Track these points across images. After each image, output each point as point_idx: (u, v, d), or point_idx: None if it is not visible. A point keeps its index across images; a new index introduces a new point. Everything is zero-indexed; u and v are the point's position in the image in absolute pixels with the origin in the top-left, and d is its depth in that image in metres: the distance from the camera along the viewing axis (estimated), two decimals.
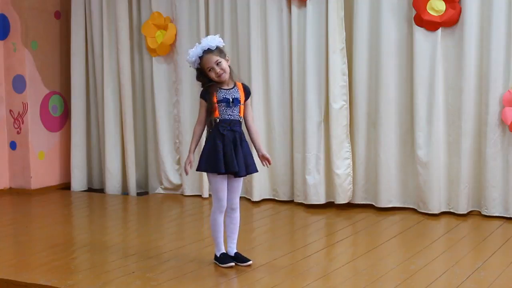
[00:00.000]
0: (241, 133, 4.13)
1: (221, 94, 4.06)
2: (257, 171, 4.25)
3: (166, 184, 6.86)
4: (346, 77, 5.84)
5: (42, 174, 7.15)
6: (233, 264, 4.17)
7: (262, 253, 4.54)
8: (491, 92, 5.33)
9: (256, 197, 6.24)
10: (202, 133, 4.20)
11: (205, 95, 4.09)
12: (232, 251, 4.24)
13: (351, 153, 5.90)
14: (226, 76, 4.06)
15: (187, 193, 6.68)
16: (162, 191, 6.91)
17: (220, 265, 4.19)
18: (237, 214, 4.22)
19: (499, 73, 5.30)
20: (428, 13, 5.47)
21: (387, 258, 4.40)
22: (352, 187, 5.92)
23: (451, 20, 5.44)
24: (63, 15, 7.31)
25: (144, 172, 7.15)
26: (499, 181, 5.38)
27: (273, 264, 4.23)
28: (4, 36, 7.01)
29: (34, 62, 7.03)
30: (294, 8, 6.01)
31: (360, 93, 5.85)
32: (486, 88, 5.36)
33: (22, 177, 7.08)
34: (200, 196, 6.57)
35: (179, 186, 6.79)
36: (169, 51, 6.68)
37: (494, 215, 5.40)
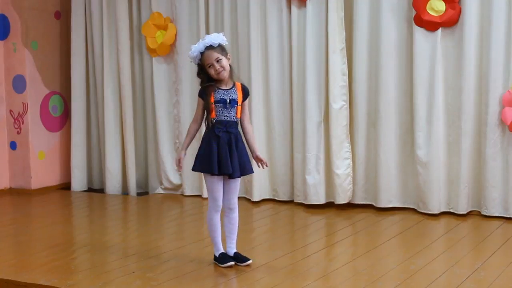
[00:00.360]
0: (237, 134, 4.12)
1: (218, 95, 4.06)
2: (252, 172, 4.25)
3: (166, 184, 6.87)
4: (346, 77, 5.84)
5: (42, 174, 7.15)
6: (232, 263, 4.18)
7: (262, 253, 4.54)
8: (491, 92, 5.33)
9: (256, 197, 6.24)
10: (196, 131, 4.21)
11: (203, 94, 4.10)
12: (232, 251, 4.25)
13: (351, 153, 5.90)
14: (225, 74, 4.05)
15: (187, 193, 6.69)
16: (162, 191, 6.91)
17: (220, 265, 4.19)
18: (235, 215, 4.22)
19: (499, 73, 5.30)
20: (428, 13, 5.47)
21: (387, 258, 4.40)
22: (352, 187, 5.92)
23: (451, 20, 5.45)
24: (63, 15, 7.32)
25: (144, 172, 7.15)
26: (499, 181, 5.38)
27: (273, 264, 4.23)
28: (4, 36, 7.02)
29: (34, 62, 7.03)
30: (294, 8, 6.01)
31: (360, 93, 5.85)
32: (486, 88, 5.36)
33: (22, 177, 7.08)
34: (200, 196, 6.57)
35: (179, 186, 6.79)
36: (169, 51, 6.68)
37: (494, 215, 5.40)
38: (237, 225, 4.25)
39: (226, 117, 4.07)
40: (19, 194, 7.01)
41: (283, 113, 6.21)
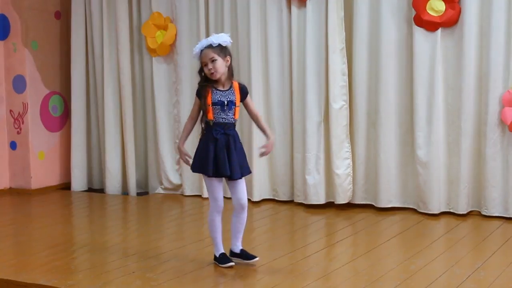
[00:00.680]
0: (235, 135, 4.10)
1: (216, 96, 4.02)
2: (250, 172, 4.23)
3: (166, 184, 6.87)
4: (346, 77, 5.84)
5: (42, 174, 7.15)
6: (233, 264, 4.17)
7: (262, 253, 4.53)
8: (491, 92, 5.33)
9: (256, 197, 6.24)
10: (192, 127, 4.20)
11: (199, 93, 4.08)
12: (238, 248, 4.22)
13: (351, 153, 5.90)
14: (217, 76, 4.00)
15: (187, 193, 6.69)
16: (162, 191, 6.91)
17: (220, 265, 4.19)
18: (245, 214, 4.18)
19: (499, 73, 5.30)
20: (428, 13, 5.47)
21: (387, 258, 4.40)
22: (352, 187, 5.92)
23: (451, 20, 5.45)
24: (63, 15, 7.32)
25: (144, 172, 7.15)
26: (499, 181, 5.38)
27: (273, 264, 4.23)
28: (4, 36, 7.02)
29: (34, 62, 7.03)
30: (294, 8, 6.01)
31: (360, 93, 5.85)
32: (486, 88, 5.36)
33: (22, 177, 7.08)
34: (200, 196, 6.57)
35: (179, 186, 6.80)
36: (169, 51, 6.68)
37: (494, 215, 5.40)
38: (245, 224, 4.21)
39: (224, 119, 4.04)
40: (19, 194, 7.02)
41: (283, 113, 6.21)
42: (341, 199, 5.90)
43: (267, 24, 6.18)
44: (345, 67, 5.83)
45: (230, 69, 4.09)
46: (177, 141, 6.62)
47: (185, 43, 6.56)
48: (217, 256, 4.22)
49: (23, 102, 7.01)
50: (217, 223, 4.18)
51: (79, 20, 7.12)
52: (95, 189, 7.30)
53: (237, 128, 4.19)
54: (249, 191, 6.27)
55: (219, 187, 4.12)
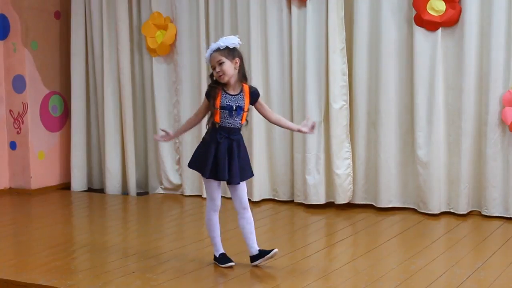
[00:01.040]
0: (240, 139, 4.07)
1: (225, 100, 3.98)
2: (252, 175, 4.21)
3: (166, 184, 6.86)
4: (346, 77, 5.84)
5: (42, 174, 7.15)
6: (233, 264, 4.17)
7: None
8: (491, 92, 5.33)
9: (256, 197, 6.24)
10: (194, 125, 4.22)
11: (208, 95, 4.04)
12: (255, 250, 4.17)
13: (351, 153, 5.90)
14: (225, 78, 3.97)
15: (187, 193, 6.68)
16: (162, 191, 6.91)
17: (220, 265, 4.18)
18: (249, 214, 4.16)
19: (499, 73, 5.30)
20: (428, 13, 5.47)
21: (387, 258, 4.40)
22: (352, 187, 5.92)
23: (451, 20, 5.44)
24: (63, 15, 7.31)
25: (144, 172, 7.15)
26: (499, 181, 5.38)
27: (273, 264, 4.22)
28: (4, 36, 7.01)
29: (34, 62, 7.03)
30: (294, 8, 6.01)
31: (360, 93, 5.85)
32: (486, 88, 5.36)
33: (22, 177, 7.08)
34: (200, 196, 6.56)
35: (179, 186, 6.79)
36: (169, 51, 6.68)
37: (494, 215, 5.40)
38: (253, 223, 4.18)
39: (230, 124, 4.01)
40: (19, 194, 7.01)
41: (283, 113, 6.19)
42: (341, 199, 5.90)
43: (267, 24, 6.18)
44: (345, 67, 5.83)
45: (240, 71, 4.02)
46: (177, 141, 6.67)
47: (185, 43, 6.56)
48: (217, 256, 4.22)
49: (23, 102, 7.01)
50: (215, 222, 4.17)
51: (79, 20, 7.12)
52: (95, 189, 7.29)
53: None
54: (249, 191, 6.24)
55: (217, 187, 4.11)
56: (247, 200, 4.17)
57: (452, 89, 5.55)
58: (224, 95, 4.00)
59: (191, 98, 6.56)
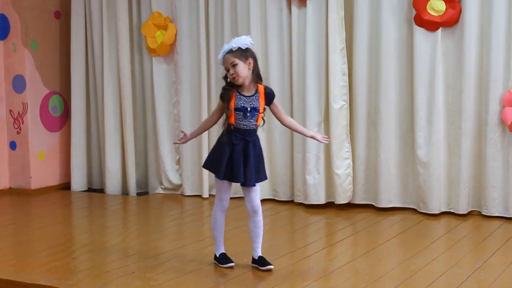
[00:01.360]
0: (255, 140, 4.02)
1: (239, 102, 3.94)
2: (266, 178, 4.17)
3: (166, 184, 6.86)
4: (346, 77, 5.84)
5: (42, 174, 7.15)
6: (233, 264, 4.17)
7: (262, 253, 4.51)
8: (491, 92, 5.33)
9: None
10: (209, 127, 4.21)
11: (222, 97, 3.99)
12: (257, 254, 4.16)
13: (351, 153, 5.90)
14: (240, 80, 3.91)
15: (187, 193, 6.68)
16: (162, 191, 6.91)
17: (220, 265, 4.18)
18: (260, 218, 4.12)
19: (499, 73, 5.30)
20: (428, 13, 5.47)
21: (387, 258, 4.40)
22: (352, 187, 5.92)
23: (451, 20, 5.44)
24: (63, 15, 7.31)
25: (144, 172, 7.15)
26: (499, 181, 5.38)
27: (273, 264, 4.22)
28: (4, 36, 7.01)
29: (34, 62, 7.03)
30: (294, 8, 6.01)
31: (360, 93, 5.85)
32: (486, 88, 5.36)
33: (22, 177, 7.08)
34: (200, 196, 6.56)
35: (179, 186, 6.79)
36: (169, 51, 6.68)
37: (494, 215, 5.40)
38: (262, 228, 4.14)
39: (245, 126, 3.96)
40: (19, 194, 7.01)
41: None
42: (341, 199, 5.90)
43: (267, 24, 6.18)
44: (345, 67, 5.83)
45: (254, 72, 3.97)
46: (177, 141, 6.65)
47: (185, 43, 6.56)
48: (217, 256, 4.22)
49: (22, 102, 7.00)
50: (220, 221, 4.16)
51: (79, 20, 7.12)
52: (95, 189, 7.29)
53: None
54: None
55: (228, 189, 4.09)
56: (259, 203, 4.11)
57: (452, 89, 5.55)
58: (239, 96, 3.95)
59: (191, 98, 6.56)
